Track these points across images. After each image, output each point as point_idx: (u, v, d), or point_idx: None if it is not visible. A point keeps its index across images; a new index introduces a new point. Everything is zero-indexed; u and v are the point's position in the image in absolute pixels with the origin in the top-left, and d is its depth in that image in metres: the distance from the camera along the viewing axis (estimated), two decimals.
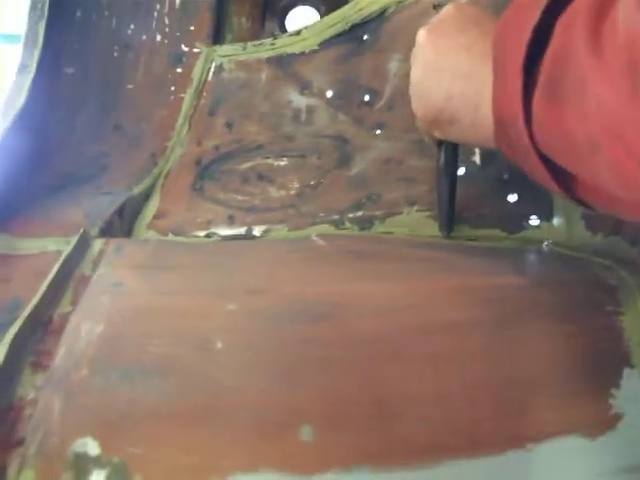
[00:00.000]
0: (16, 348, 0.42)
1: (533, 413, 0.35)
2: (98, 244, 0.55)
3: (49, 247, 0.55)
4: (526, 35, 0.33)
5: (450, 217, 0.53)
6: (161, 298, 0.38)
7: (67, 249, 0.52)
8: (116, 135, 0.73)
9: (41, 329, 0.45)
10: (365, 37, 0.69)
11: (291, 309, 0.36)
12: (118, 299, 0.37)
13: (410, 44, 0.65)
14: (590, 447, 0.35)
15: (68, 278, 0.49)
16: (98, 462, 0.30)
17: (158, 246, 0.51)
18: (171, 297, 0.38)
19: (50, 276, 0.48)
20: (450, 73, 0.41)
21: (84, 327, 0.35)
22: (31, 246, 0.55)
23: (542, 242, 0.52)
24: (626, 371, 0.36)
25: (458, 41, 0.42)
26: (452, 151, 0.53)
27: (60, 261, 0.50)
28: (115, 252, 0.50)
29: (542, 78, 0.32)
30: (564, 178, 0.34)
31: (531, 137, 0.33)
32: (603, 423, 0.35)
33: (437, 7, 0.52)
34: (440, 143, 0.53)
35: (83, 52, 0.73)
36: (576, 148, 0.30)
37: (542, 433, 0.34)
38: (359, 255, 0.47)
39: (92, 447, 0.30)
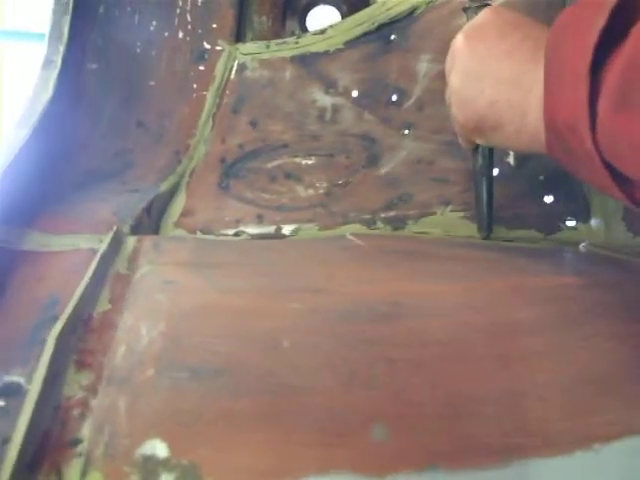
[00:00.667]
0: (60, 347, 0.41)
1: (600, 413, 0.35)
2: (131, 241, 0.54)
3: (81, 244, 0.54)
4: (591, 39, 0.32)
5: (489, 219, 0.52)
6: (220, 296, 0.37)
7: (102, 247, 0.51)
8: (139, 131, 0.72)
9: (81, 327, 0.44)
10: (393, 37, 0.68)
11: (354, 309, 0.36)
12: (175, 297, 0.37)
13: (440, 45, 0.66)
14: None
15: (104, 276, 0.49)
16: (167, 464, 0.30)
17: (197, 243, 0.51)
18: (230, 295, 0.37)
19: (88, 274, 0.47)
20: (493, 80, 0.41)
21: (143, 325, 0.35)
22: (62, 243, 0.54)
23: (579, 243, 0.52)
24: None
25: (498, 47, 0.41)
26: (488, 154, 0.53)
27: (96, 259, 0.49)
28: (154, 249, 0.49)
29: (611, 84, 0.31)
30: (625, 183, 0.34)
31: (594, 143, 0.33)
32: None
33: (467, 10, 0.51)
34: (476, 147, 0.53)
35: (106, 48, 0.72)
36: None
37: (608, 433, 0.34)
38: (405, 254, 0.46)
39: (160, 449, 0.29)
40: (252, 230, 0.63)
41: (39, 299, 0.48)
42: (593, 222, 0.52)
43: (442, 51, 0.65)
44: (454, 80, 0.45)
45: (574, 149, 0.34)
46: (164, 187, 0.66)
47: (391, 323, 0.36)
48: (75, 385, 0.40)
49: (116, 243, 0.52)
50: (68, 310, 0.44)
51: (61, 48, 0.67)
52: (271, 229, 0.63)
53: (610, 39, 0.32)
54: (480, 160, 0.53)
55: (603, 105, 0.31)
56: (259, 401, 0.31)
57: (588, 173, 0.35)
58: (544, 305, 0.38)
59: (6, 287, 0.49)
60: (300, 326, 0.35)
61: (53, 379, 0.39)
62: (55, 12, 0.67)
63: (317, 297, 0.37)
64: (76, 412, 0.38)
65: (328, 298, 0.37)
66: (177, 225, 0.63)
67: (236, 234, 0.62)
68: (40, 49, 0.68)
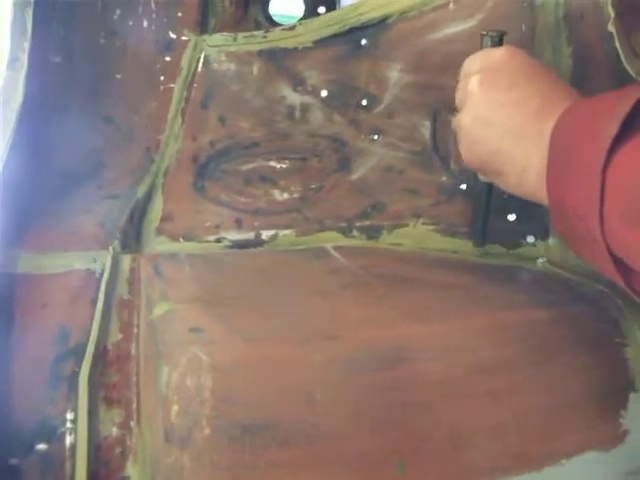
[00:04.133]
0: (90, 386, 0.44)
1: (565, 434, 0.43)
2: (127, 262, 0.56)
3: (76, 265, 0.55)
4: (605, 141, 0.34)
5: (483, 234, 0.58)
6: (251, 348, 0.41)
7: (105, 272, 0.53)
8: (108, 128, 0.71)
9: (101, 361, 0.47)
10: (363, 42, 0.70)
11: (367, 356, 0.42)
12: (211, 351, 0.40)
13: (412, 56, 0.69)
14: (605, 458, 0.43)
15: (110, 303, 0.51)
16: None
17: (195, 266, 0.54)
18: (258, 345, 0.41)
19: (100, 305, 0.50)
20: (500, 129, 0.44)
21: (190, 383, 0.38)
22: (55, 264, 0.55)
23: (537, 259, 0.59)
24: (631, 395, 0.45)
25: (509, 97, 0.44)
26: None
27: (103, 288, 0.51)
28: (156, 276, 0.52)
29: (626, 197, 0.33)
30: (627, 272, 0.36)
31: (602, 235, 0.35)
32: (615, 439, 0.44)
33: (483, 37, 0.53)
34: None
35: (68, 39, 0.70)
36: None
37: (572, 450, 0.43)
38: (392, 282, 0.52)
39: None
40: (232, 236, 0.66)
41: (49, 329, 0.49)
42: (551, 241, 0.60)
43: (413, 62, 0.69)
44: (464, 119, 0.48)
45: (580, 233, 0.38)
46: (141, 191, 0.66)
47: (399, 369, 0.42)
48: (109, 423, 0.43)
49: (115, 266, 0.54)
50: (91, 348, 0.46)
51: (26, 45, 0.64)
52: (251, 235, 0.66)
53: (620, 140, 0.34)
54: (480, 184, 0.57)
55: (612, 211, 0.34)
56: (302, 450, 0.37)
57: (591, 256, 0.38)
58: (521, 342, 0.45)
59: (13, 316, 0.50)
60: (326, 378, 0.40)
61: (90, 419, 0.42)
62: (17, 5, 0.64)
63: (332, 345, 0.42)
64: (117, 451, 0.42)
65: (342, 346, 0.43)
66: (159, 232, 0.65)
67: (218, 240, 0.65)
68: None
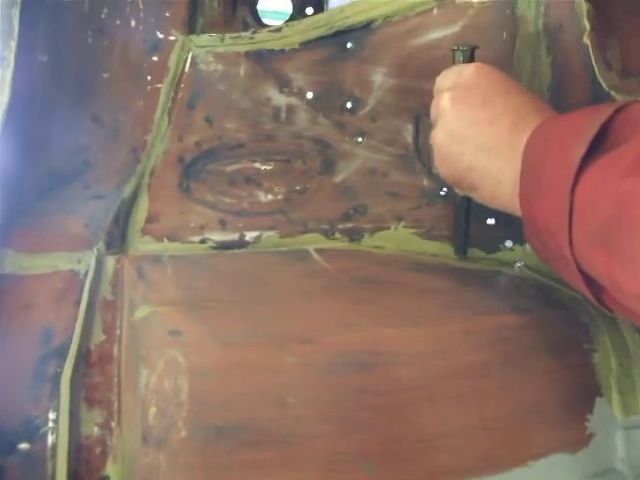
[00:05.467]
0: (72, 387, 0.45)
1: (532, 437, 0.44)
2: (111, 263, 0.57)
3: (60, 265, 0.56)
4: (573, 165, 0.35)
5: (465, 243, 0.60)
6: (228, 351, 0.42)
7: (89, 274, 0.54)
8: (94, 127, 0.71)
9: (83, 362, 0.48)
10: (349, 45, 0.71)
11: (341, 360, 0.43)
12: (189, 354, 0.42)
13: (395, 61, 0.70)
14: (571, 460, 0.45)
15: (94, 304, 0.52)
16: None
17: (177, 268, 0.55)
18: (236, 349, 0.43)
19: (83, 306, 0.51)
20: (473, 145, 0.45)
21: (167, 385, 0.40)
22: (41, 264, 0.56)
23: (515, 263, 0.61)
24: (597, 399, 0.47)
25: (481, 113, 0.45)
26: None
27: (87, 289, 0.52)
28: (140, 279, 0.53)
29: (590, 219, 0.34)
30: (595, 286, 0.37)
31: (572, 252, 0.36)
32: (581, 441, 0.46)
33: (455, 52, 0.54)
34: None
35: (55, 38, 0.70)
36: (621, 289, 0.33)
37: (538, 452, 0.44)
38: (370, 286, 0.53)
39: None
40: (217, 237, 0.67)
41: (33, 330, 0.50)
42: (528, 245, 0.61)
43: (397, 67, 0.70)
44: (438, 136, 0.49)
45: (552, 249, 0.39)
46: (127, 191, 0.67)
47: (371, 372, 0.43)
48: (91, 423, 0.44)
49: (99, 267, 0.55)
50: (74, 349, 0.47)
51: (13, 44, 0.64)
52: (235, 236, 0.67)
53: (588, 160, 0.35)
54: (459, 197, 0.58)
55: (579, 231, 0.35)
56: (274, 451, 0.38)
57: (561, 269, 0.40)
58: (491, 347, 0.47)
59: None
60: (299, 381, 0.41)
61: (72, 419, 0.43)
62: (3, 4, 0.64)
63: (308, 349, 0.44)
64: (98, 450, 0.43)
65: (317, 350, 0.44)
66: (144, 232, 0.65)
67: (202, 241, 0.66)
68: None
